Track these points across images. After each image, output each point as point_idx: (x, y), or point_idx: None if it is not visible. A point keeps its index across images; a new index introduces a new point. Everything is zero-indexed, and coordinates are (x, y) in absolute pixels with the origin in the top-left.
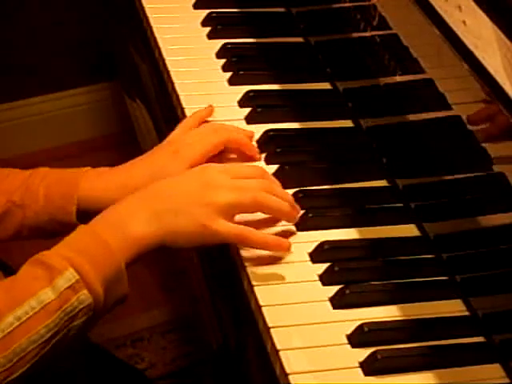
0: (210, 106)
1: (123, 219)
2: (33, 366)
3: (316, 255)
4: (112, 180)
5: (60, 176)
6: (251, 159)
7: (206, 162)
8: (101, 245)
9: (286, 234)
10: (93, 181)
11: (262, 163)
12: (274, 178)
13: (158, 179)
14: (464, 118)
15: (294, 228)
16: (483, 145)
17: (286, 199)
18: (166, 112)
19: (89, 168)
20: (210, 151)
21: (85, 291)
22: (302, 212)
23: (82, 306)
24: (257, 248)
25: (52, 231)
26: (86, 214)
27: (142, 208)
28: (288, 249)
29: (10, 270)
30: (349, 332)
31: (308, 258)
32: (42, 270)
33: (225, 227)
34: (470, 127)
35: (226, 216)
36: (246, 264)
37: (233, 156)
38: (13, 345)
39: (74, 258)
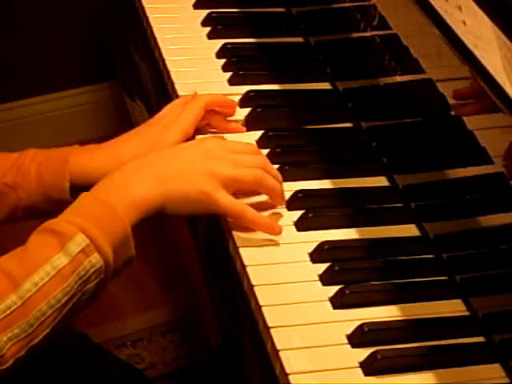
0: (195, 92)
1: (125, 183)
2: (53, 330)
3: (316, 255)
4: (104, 153)
5: (49, 154)
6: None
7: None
8: (106, 209)
9: (275, 215)
10: (83, 156)
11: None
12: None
13: (152, 152)
14: (464, 118)
15: (281, 210)
16: (483, 145)
17: (279, 180)
18: None
19: (77, 145)
20: (197, 116)
21: (96, 254)
22: (301, 212)
23: (94, 269)
24: (249, 226)
25: (47, 211)
26: (80, 191)
27: (144, 172)
28: (279, 232)
29: None
30: (349, 332)
31: (308, 258)
32: (51, 237)
33: (226, 199)
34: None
35: (227, 189)
36: (247, 264)
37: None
38: (33, 310)
39: (82, 223)
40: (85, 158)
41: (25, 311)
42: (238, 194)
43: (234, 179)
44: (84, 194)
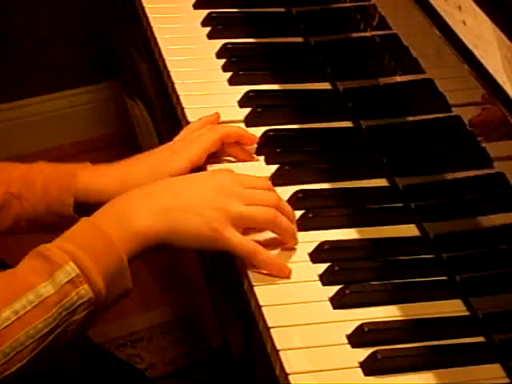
0: (216, 113)
1: (126, 212)
2: (31, 361)
3: (316, 255)
4: (111, 174)
5: (58, 169)
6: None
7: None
8: (102, 238)
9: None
10: (91, 174)
11: (261, 163)
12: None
13: (158, 177)
14: (464, 118)
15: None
16: (483, 145)
17: (292, 218)
18: (166, 112)
19: (87, 163)
20: (209, 147)
21: (85, 286)
22: (301, 212)
23: (81, 301)
24: (259, 267)
25: (50, 224)
26: (84, 208)
27: (148, 202)
28: (289, 274)
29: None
30: (349, 332)
31: (308, 258)
32: (41, 264)
33: (236, 238)
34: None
35: (237, 226)
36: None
37: (233, 152)
38: (10, 339)
39: (74, 251)
40: (92, 177)
41: (1, 339)
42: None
43: (244, 217)
44: (83, 220)
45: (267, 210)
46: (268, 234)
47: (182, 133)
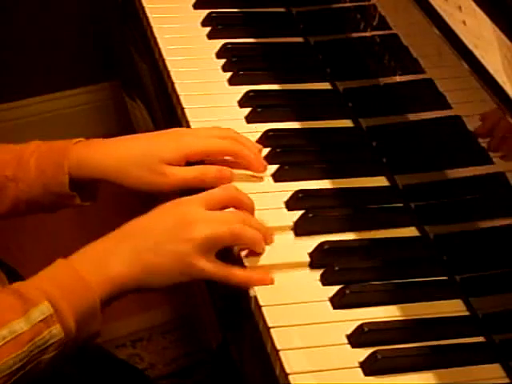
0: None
1: (102, 258)
2: None
3: (316, 255)
4: (105, 150)
5: (51, 146)
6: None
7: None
8: (78, 280)
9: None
10: (84, 149)
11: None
12: (242, 196)
13: (153, 155)
14: (464, 118)
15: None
16: (483, 145)
17: (259, 228)
18: (166, 112)
19: (81, 139)
20: (212, 152)
21: (57, 326)
22: (301, 212)
23: (53, 341)
24: (241, 285)
25: (49, 204)
26: (80, 184)
27: (122, 246)
28: (272, 281)
29: (9, 269)
30: (349, 332)
31: (308, 259)
32: (17, 301)
33: (210, 267)
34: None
35: (208, 251)
36: (247, 264)
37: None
38: None
39: (50, 291)
40: (85, 152)
41: None
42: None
43: (210, 239)
44: (60, 261)
45: (232, 227)
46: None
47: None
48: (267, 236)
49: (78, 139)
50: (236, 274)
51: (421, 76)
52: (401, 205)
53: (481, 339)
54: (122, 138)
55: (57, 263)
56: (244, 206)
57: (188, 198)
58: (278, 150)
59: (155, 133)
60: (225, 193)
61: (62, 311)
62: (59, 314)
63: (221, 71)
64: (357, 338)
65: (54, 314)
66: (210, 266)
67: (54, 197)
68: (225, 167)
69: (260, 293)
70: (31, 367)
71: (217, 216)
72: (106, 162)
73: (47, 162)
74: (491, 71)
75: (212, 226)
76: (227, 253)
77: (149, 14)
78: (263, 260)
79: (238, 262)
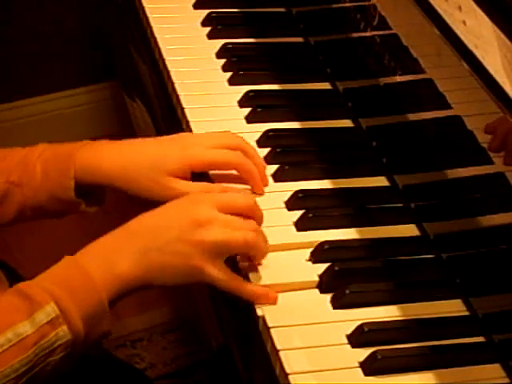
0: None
1: (110, 255)
2: None
3: (316, 255)
4: (110, 154)
5: (56, 150)
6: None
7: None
8: (85, 279)
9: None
10: (90, 153)
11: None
12: (257, 208)
13: (157, 165)
14: (464, 118)
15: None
16: (483, 145)
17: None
18: (166, 112)
19: (87, 141)
20: (217, 164)
21: (64, 327)
22: (301, 211)
23: (60, 342)
24: (244, 297)
25: (55, 210)
26: (85, 189)
27: (129, 244)
28: (275, 300)
29: (9, 269)
30: (349, 332)
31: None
32: (22, 302)
33: (217, 272)
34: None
35: (216, 256)
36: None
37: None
38: None
39: (56, 291)
40: (91, 157)
41: None
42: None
43: (221, 244)
44: (67, 258)
45: (242, 234)
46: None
47: (199, 133)
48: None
49: (83, 142)
50: (242, 286)
51: (421, 76)
52: (401, 205)
53: (481, 339)
54: (128, 142)
55: (64, 261)
56: (257, 219)
57: (203, 195)
58: (278, 150)
59: (161, 139)
60: (244, 201)
61: (69, 312)
62: (66, 314)
63: (221, 71)
64: (357, 338)
65: (61, 316)
66: (217, 273)
67: (59, 202)
68: (229, 187)
69: None
70: (38, 369)
71: (231, 221)
72: (110, 169)
73: (53, 167)
74: (491, 71)
75: (225, 231)
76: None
77: (149, 14)
78: (263, 261)
79: (235, 268)
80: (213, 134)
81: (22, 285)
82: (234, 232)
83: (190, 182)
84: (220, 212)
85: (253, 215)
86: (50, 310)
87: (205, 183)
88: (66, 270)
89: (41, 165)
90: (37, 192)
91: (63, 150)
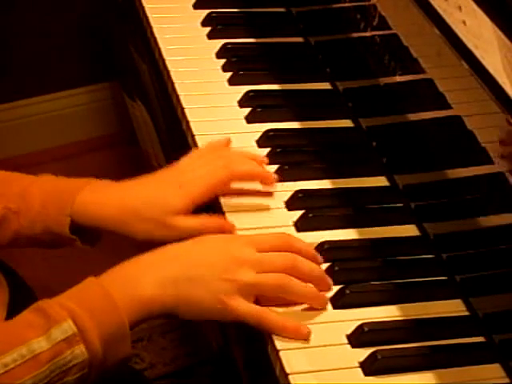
0: (228, 138)
1: (134, 279)
2: None
3: None
4: (110, 196)
5: (58, 186)
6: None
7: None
8: (106, 300)
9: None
10: (89, 194)
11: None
12: (300, 243)
13: (158, 207)
14: (464, 118)
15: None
16: (483, 145)
17: (313, 275)
18: (166, 112)
19: (92, 179)
20: (217, 187)
21: (81, 346)
22: (301, 211)
23: (76, 362)
24: (274, 332)
25: (50, 242)
26: (80, 229)
27: (155, 270)
28: (307, 336)
29: (8, 270)
30: (349, 332)
31: None
32: (39, 318)
33: (244, 308)
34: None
35: (247, 295)
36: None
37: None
38: None
39: (74, 309)
40: (90, 197)
41: None
42: None
43: (254, 286)
44: (89, 279)
45: (278, 277)
46: None
47: (188, 157)
48: (323, 280)
49: (86, 181)
50: (270, 318)
51: (421, 76)
52: (401, 205)
53: (481, 339)
54: (127, 184)
55: (86, 281)
56: (296, 250)
57: (237, 236)
58: (278, 150)
59: (158, 178)
60: (277, 241)
61: (87, 331)
62: (84, 333)
63: (221, 71)
64: (357, 338)
65: (78, 334)
66: (243, 309)
67: (54, 236)
68: (227, 222)
69: None
70: None
71: (269, 260)
72: (108, 213)
73: (51, 201)
74: (491, 71)
75: (260, 271)
76: None
77: (149, 14)
78: None
79: None
80: (201, 163)
81: (41, 302)
82: (268, 275)
83: (188, 219)
84: (257, 251)
85: (291, 249)
86: (66, 327)
87: (204, 218)
88: (87, 289)
89: (40, 197)
90: (33, 223)
91: (65, 187)
